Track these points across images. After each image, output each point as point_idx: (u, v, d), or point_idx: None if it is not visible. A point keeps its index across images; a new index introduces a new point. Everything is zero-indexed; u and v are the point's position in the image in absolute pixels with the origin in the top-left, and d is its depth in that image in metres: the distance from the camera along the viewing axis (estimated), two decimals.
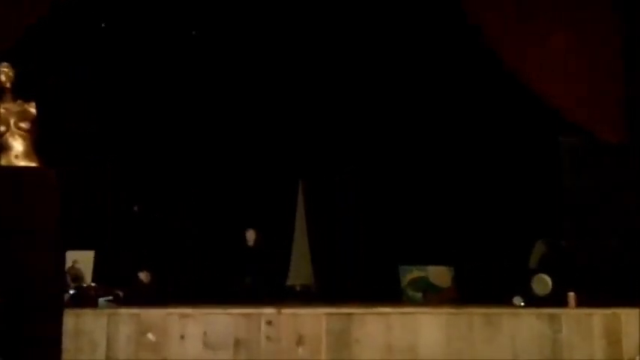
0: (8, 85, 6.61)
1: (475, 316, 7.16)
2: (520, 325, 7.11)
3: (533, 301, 7.65)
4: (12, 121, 6.55)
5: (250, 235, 9.22)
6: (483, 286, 8.71)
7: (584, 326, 7.11)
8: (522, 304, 7.70)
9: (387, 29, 9.58)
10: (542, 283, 7.82)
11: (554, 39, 7.96)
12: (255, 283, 8.86)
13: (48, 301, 6.18)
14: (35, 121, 6.65)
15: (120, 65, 9.40)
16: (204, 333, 6.96)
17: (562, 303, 7.50)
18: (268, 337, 6.98)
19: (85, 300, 7.46)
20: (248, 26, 9.60)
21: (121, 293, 7.76)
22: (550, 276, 7.83)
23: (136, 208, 8.77)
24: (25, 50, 7.29)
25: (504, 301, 7.80)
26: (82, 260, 8.03)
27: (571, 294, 7.53)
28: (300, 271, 9.96)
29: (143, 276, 8.47)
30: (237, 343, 6.96)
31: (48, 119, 6.81)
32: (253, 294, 8.61)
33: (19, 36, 7.53)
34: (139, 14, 9.35)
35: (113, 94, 9.46)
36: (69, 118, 8.90)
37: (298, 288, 9.84)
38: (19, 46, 7.42)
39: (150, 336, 6.92)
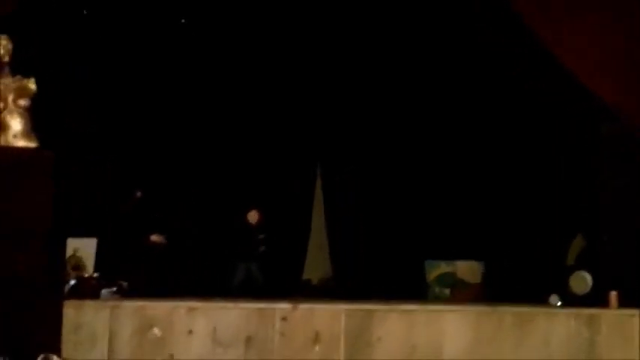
0: (6, 58, 6.52)
1: (506, 315, 7.02)
2: (555, 326, 6.97)
3: (571, 301, 7.50)
4: (10, 98, 6.47)
5: (253, 217, 9.18)
6: (516, 283, 8.55)
7: (626, 328, 6.97)
8: (559, 303, 7.56)
9: (409, 17, 9.48)
10: (581, 281, 7.69)
11: (592, 16, 7.81)
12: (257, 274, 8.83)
13: (46, 292, 6.12)
14: (34, 98, 6.59)
15: (122, 55, 9.40)
16: (214, 328, 6.88)
17: (602, 303, 7.33)
18: (282, 334, 6.90)
19: (87, 291, 7.39)
20: (260, 20, 9.54)
21: (125, 284, 7.74)
22: (590, 273, 7.69)
23: (139, 194, 8.77)
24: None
25: (539, 300, 7.65)
26: (83, 248, 8.00)
27: (613, 293, 7.35)
28: (317, 264, 9.84)
29: (156, 238, 8.43)
30: (249, 340, 6.87)
31: (52, 106, 6.76)
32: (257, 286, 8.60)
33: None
34: (141, 10, 9.36)
35: (116, 85, 9.45)
36: (72, 108, 8.97)
37: (315, 282, 9.74)
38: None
39: (156, 331, 6.87)
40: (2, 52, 6.55)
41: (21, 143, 6.42)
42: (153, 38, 9.44)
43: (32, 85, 6.55)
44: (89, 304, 6.99)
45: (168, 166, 9.59)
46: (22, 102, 6.48)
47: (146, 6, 9.30)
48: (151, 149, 9.57)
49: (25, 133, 6.47)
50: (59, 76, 8.58)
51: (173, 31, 9.49)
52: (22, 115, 6.47)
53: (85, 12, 9.09)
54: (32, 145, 6.46)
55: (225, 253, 9.24)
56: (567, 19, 7.83)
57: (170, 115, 9.64)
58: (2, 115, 6.44)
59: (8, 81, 6.51)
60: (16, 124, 6.45)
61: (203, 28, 9.56)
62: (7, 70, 6.54)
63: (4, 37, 6.57)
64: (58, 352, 6.15)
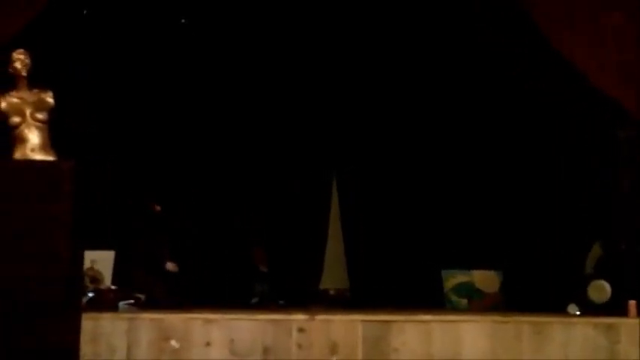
0: (24, 73, 6.61)
1: (524, 324, 7.07)
2: (573, 336, 7.00)
3: (590, 310, 7.53)
4: (28, 112, 6.54)
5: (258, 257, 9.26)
6: (534, 292, 8.58)
7: None
8: (578, 312, 7.58)
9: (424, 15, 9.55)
10: (600, 290, 7.69)
11: (604, 17, 7.84)
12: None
13: (64, 304, 6.21)
14: (52, 112, 6.69)
15: (124, 57, 9.51)
16: (231, 340, 6.97)
17: (621, 312, 7.35)
18: (299, 345, 6.96)
19: (104, 303, 7.50)
20: (270, 22, 9.60)
21: (142, 297, 7.82)
22: (608, 282, 7.70)
23: (158, 208, 8.85)
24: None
25: (557, 309, 7.67)
26: (101, 261, 8.09)
27: (632, 302, 7.36)
28: (334, 274, 9.88)
29: (170, 266, 8.50)
30: (266, 351, 6.95)
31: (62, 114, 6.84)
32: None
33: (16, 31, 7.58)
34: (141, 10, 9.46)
35: (130, 89, 9.57)
36: (84, 113, 9.04)
37: (332, 292, 9.79)
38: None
39: (174, 343, 6.95)
40: (19, 66, 6.62)
41: (39, 157, 6.49)
42: (155, 38, 9.54)
43: (50, 98, 6.64)
44: (107, 316, 7.08)
45: (181, 174, 9.65)
46: (40, 116, 6.56)
47: (146, 6, 9.39)
48: (165, 158, 9.65)
49: (43, 147, 6.54)
50: (61, 77, 8.63)
51: (183, 31, 9.59)
52: (40, 129, 6.55)
53: (84, 12, 9.17)
54: (50, 158, 6.55)
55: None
56: (579, 19, 7.87)
57: (182, 123, 9.73)
58: (20, 128, 6.53)
59: (26, 95, 6.60)
60: (34, 137, 6.53)
61: (213, 28, 9.64)
62: (24, 84, 6.63)
63: (21, 51, 6.66)
64: None
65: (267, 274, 9.24)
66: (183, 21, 9.61)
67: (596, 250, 8.21)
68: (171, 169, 9.64)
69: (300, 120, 9.91)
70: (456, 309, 8.85)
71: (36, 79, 6.66)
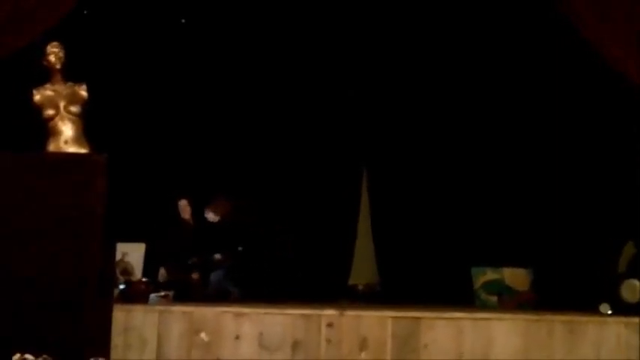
0: (58, 66, 6.65)
1: (556, 323, 7.02)
2: (606, 335, 6.95)
3: (622, 309, 7.44)
4: (62, 105, 6.60)
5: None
6: (565, 290, 8.50)
7: None
8: (610, 311, 7.52)
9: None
10: (633, 289, 7.60)
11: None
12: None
13: (96, 296, 6.24)
14: (86, 105, 6.72)
15: (170, 51, 9.58)
16: (261, 334, 7.00)
17: None
18: (329, 340, 6.98)
19: (135, 295, 7.55)
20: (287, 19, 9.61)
21: (170, 293, 7.86)
22: None
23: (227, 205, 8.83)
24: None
25: (589, 307, 7.60)
26: (132, 253, 8.13)
27: None
28: (363, 269, 9.88)
29: (195, 276, 8.51)
30: (296, 346, 6.97)
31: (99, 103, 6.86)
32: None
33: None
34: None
35: (165, 82, 9.63)
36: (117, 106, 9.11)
37: (361, 288, 9.79)
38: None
39: (203, 336, 6.99)
40: (53, 59, 6.66)
41: (72, 149, 6.55)
42: (194, 31, 9.60)
43: (84, 91, 6.68)
44: (138, 309, 7.15)
45: (211, 167, 9.68)
46: (74, 108, 6.61)
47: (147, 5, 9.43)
48: (197, 152, 9.69)
49: (77, 139, 6.59)
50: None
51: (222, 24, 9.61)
52: (73, 122, 6.60)
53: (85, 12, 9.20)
54: (83, 150, 6.58)
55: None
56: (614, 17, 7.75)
57: (213, 117, 9.78)
58: (54, 121, 6.57)
59: (60, 88, 6.64)
60: (67, 130, 6.58)
61: (248, 21, 9.65)
62: (58, 77, 6.66)
63: (56, 44, 6.69)
64: (107, 356, 6.27)
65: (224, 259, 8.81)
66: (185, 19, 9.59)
67: (629, 249, 8.14)
68: (202, 163, 9.65)
69: (331, 115, 9.89)
70: (485, 306, 8.79)
71: (70, 73, 6.69)
